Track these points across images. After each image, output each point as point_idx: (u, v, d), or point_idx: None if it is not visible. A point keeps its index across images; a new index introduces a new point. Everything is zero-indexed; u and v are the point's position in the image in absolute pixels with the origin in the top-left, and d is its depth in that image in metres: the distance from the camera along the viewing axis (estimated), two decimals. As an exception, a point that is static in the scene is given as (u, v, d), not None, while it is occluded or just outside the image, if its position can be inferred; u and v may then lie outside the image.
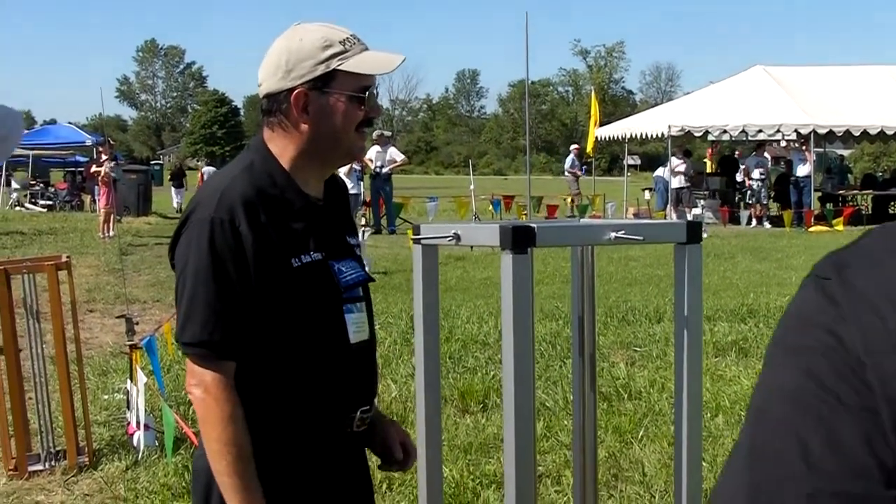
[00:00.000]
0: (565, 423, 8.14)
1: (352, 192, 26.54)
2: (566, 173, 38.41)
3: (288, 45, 2.98)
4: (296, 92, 2.93)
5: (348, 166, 26.49)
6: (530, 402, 2.36)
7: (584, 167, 39.19)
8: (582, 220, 3.31)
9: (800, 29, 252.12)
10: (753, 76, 35.08)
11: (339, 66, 2.93)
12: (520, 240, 2.26)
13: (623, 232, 2.38)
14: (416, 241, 2.81)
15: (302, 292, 2.91)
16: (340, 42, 2.95)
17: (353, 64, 2.94)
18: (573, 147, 38.58)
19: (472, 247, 23.37)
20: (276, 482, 2.93)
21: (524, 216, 27.15)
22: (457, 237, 2.60)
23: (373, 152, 27.39)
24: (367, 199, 27.61)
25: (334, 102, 2.95)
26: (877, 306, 1.00)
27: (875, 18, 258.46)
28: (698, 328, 2.57)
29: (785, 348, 1.09)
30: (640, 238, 2.43)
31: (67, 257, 8.08)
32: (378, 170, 27.69)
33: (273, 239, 2.87)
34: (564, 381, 9.45)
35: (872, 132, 32.14)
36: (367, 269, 3.21)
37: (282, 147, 3.00)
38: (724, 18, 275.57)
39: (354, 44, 2.97)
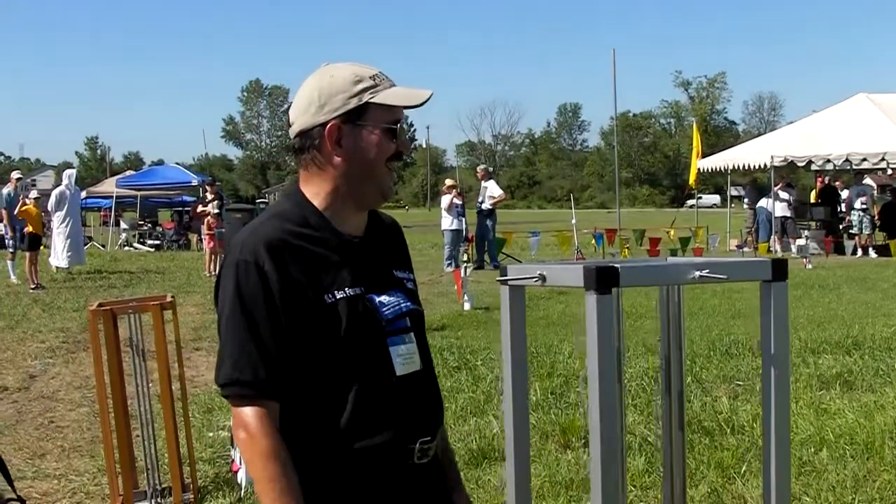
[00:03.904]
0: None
1: (452, 228, 26.77)
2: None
3: (319, 82, 3.03)
4: (329, 125, 2.98)
5: (448, 201, 26.65)
6: (616, 441, 2.35)
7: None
8: (669, 258, 3.26)
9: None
10: (857, 104, 34.53)
11: (370, 98, 2.97)
12: (603, 280, 2.27)
13: (707, 271, 2.39)
14: (503, 283, 2.82)
15: (339, 326, 2.92)
16: (370, 77, 3.00)
17: (384, 97, 2.98)
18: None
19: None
20: None
21: (626, 250, 26.98)
22: (542, 278, 2.61)
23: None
24: (470, 236, 27.63)
25: (367, 135, 2.99)
26: None
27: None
28: (785, 365, 2.56)
29: None
30: (724, 277, 2.43)
31: (172, 297, 8.20)
32: (479, 205, 27.86)
33: (302, 277, 2.91)
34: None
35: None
36: (419, 301, 3.20)
37: (315, 188, 3.05)
38: (827, 47, 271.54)
39: (383, 79, 3.03)
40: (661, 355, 2.88)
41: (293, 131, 3.07)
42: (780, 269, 2.51)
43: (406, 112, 3.09)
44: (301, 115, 3.04)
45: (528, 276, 2.67)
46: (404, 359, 3.02)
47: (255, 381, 2.85)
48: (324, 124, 2.98)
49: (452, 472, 3.32)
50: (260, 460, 2.81)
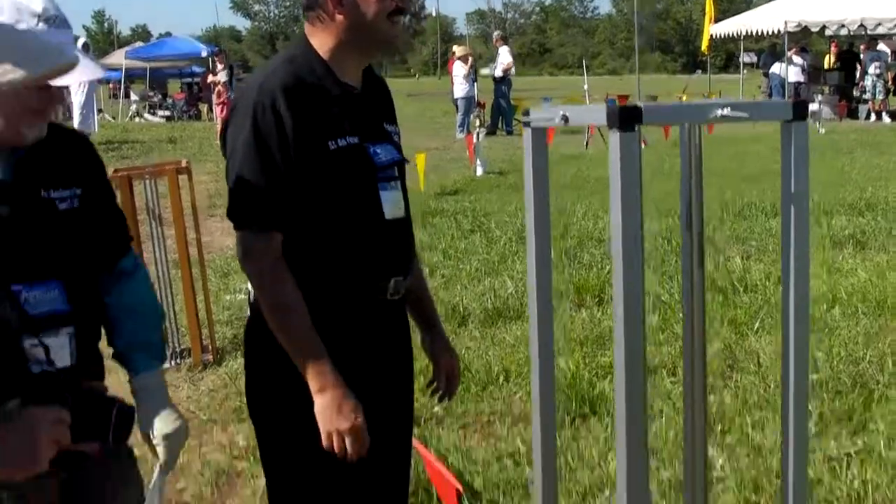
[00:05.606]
0: (681, 316, 8.19)
1: (467, 95, 26.73)
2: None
3: None
4: None
5: (466, 69, 26.59)
6: (638, 285, 2.39)
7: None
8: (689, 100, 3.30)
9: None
10: (872, -32, 34.00)
11: None
12: (626, 118, 2.30)
13: (728, 109, 2.41)
14: (526, 124, 2.85)
15: (338, 171, 3.19)
16: None
17: None
18: None
19: (586, 144, 23.38)
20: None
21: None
22: (565, 118, 2.63)
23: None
24: (482, 101, 27.57)
25: None
26: None
27: None
28: (805, 207, 2.59)
29: None
30: (746, 115, 2.45)
31: (187, 162, 8.24)
32: (492, 71, 27.92)
33: (311, 122, 3.14)
34: (680, 275, 9.48)
35: None
36: (403, 153, 3.47)
37: (321, 40, 3.26)
38: None
39: None
40: (682, 194, 2.93)
41: None
42: (800, 109, 2.52)
43: None
44: None
45: (551, 116, 2.70)
46: (392, 204, 3.33)
47: (268, 214, 3.13)
48: None
49: (429, 310, 3.70)
50: (270, 285, 3.15)
